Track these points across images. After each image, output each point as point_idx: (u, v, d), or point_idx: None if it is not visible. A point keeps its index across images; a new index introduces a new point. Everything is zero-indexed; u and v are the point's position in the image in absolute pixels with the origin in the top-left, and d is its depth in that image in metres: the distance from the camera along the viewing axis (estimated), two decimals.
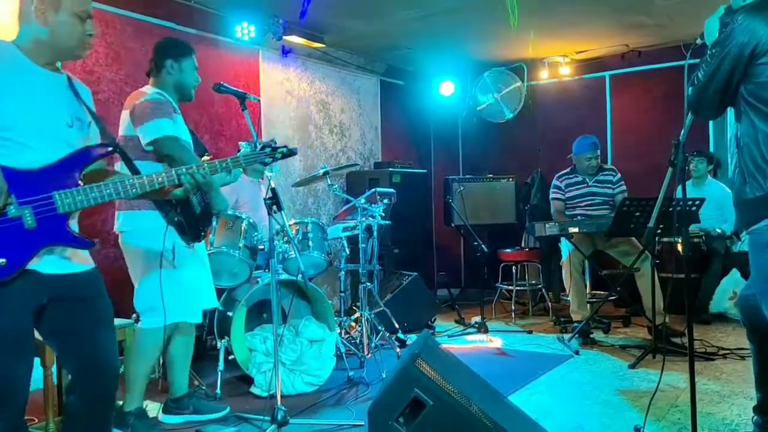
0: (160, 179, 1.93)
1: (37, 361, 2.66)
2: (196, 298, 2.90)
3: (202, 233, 2.65)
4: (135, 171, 2.07)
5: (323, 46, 5.57)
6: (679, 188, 2.54)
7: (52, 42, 1.83)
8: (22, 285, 1.71)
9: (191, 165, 2.02)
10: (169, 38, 3.12)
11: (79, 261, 1.88)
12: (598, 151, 5.02)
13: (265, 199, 2.72)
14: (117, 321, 3.36)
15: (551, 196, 5.21)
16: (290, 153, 2.38)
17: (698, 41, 2.32)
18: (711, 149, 5.95)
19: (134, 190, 1.87)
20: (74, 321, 1.85)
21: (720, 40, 2.02)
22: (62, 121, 1.85)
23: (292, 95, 5.65)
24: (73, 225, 1.83)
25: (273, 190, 2.71)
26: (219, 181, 2.74)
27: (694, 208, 4.17)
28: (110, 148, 1.93)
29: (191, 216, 2.54)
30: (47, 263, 1.77)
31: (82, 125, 1.91)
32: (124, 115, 2.81)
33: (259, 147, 2.32)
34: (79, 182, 1.80)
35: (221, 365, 3.51)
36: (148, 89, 2.87)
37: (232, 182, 3.22)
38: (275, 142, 2.34)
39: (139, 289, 2.83)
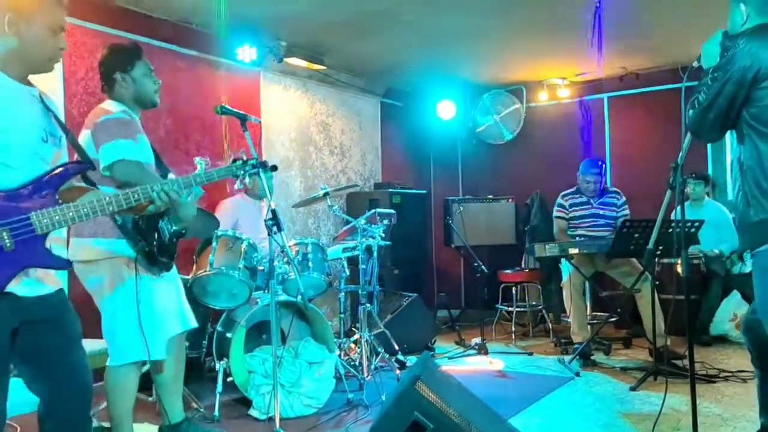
0: (136, 195, 1.91)
1: None
2: (160, 332, 2.61)
3: (172, 261, 2.56)
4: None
5: (324, 68, 5.62)
6: (679, 209, 2.56)
7: (24, 54, 1.81)
8: (0, 308, 1.69)
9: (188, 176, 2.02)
10: (112, 46, 2.78)
11: (51, 283, 1.87)
12: (602, 177, 5.05)
13: (265, 221, 2.71)
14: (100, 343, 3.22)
15: (555, 214, 5.21)
16: (262, 166, 2.40)
17: (695, 64, 2.35)
18: (709, 171, 5.98)
19: (111, 208, 1.85)
20: (46, 342, 1.83)
21: (722, 64, 2.03)
22: (38, 136, 1.84)
23: (293, 116, 5.69)
24: (55, 245, 1.81)
25: (273, 211, 2.70)
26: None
27: (693, 230, 4.18)
28: (86, 165, 1.91)
29: (160, 244, 2.46)
30: (23, 285, 1.75)
31: (55, 140, 1.90)
32: (85, 135, 2.55)
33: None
34: (57, 201, 1.78)
35: (219, 387, 3.48)
36: (111, 106, 2.62)
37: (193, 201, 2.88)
38: (249, 157, 2.36)
39: (106, 323, 2.58)
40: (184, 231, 2.58)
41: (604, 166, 5.14)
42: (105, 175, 2.46)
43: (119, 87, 2.66)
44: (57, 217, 1.75)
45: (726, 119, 2.03)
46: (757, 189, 1.96)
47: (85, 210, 1.79)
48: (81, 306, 3.32)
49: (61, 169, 1.83)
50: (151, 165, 2.64)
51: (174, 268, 2.79)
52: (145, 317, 2.49)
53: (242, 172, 2.35)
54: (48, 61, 1.88)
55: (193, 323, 2.89)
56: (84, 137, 2.55)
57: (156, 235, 2.45)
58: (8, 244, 1.68)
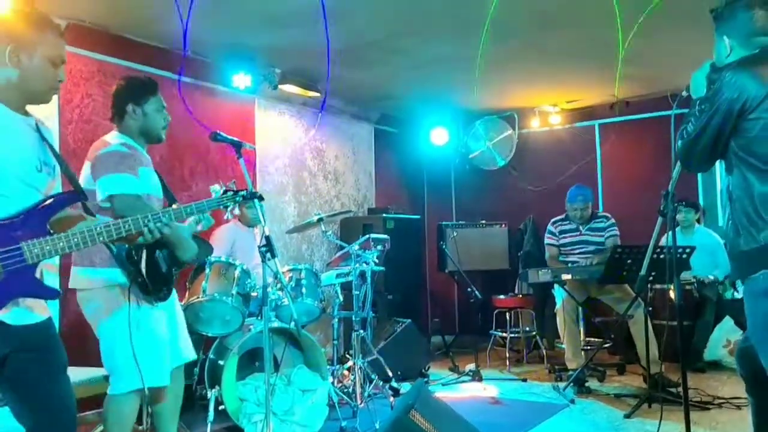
0: (126, 226, 1.92)
1: None
2: (162, 359, 2.61)
3: (167, 291, 2.55)
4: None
5: (318, 94, 5.68)
6: (670, 236, 2.58)
7: (23, 86, 1.84)
8: None
9: (178, 207, 2.04)
10: (129, 78, 2.84)
11: (39, 311, 1.86)
12: (589, 204, 5.05)
13: (259, 247, 2.71)
14: (103, 371, 3.25)
15: (546, 241, 5.23)
16: (252, 196, 2.42)
17: (684, 93, 2.38)
18: (700, 198, 6.03)
19: (101, 238, 1.86)
20: (33, 371, 1.82)
21: (709, 96, 2.06)
22: (32, 165, 1.85)
23: (287, 142, 5.72)
24: (47, 272, 1.82)
25: (267, 237, 2.70)
26: (189, 230, 2.58)
27: (684, 256, 4.20)
28: (78, 196, 1.92)
29: (156, 274, 2.47)
30: (13, 314, 1.75)
31: (49, 169, 1.91)
32: (86, 167, 2.60)
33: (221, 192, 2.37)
34: (48, 230, 1.79)
35: (211, 416, 3.43)
36: (113, 138, 2.67)
37: (203, 230, 2.84)
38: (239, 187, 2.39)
39: (103, 351, 2.57)
40: (189, 262, 2.59)
41: (591, 192, 5.15)
42: (103, 207, 2.49)
43: (129, 118, 2.70)
44: (48, 247, 1.75)
45: (714, 150, 2.06)
46: (746, 219, 1.98)
47: (76, 240, 1.80)
48: (71, 333, 3.33)
49: (52, 199, 1.84)
50: (153, 196, 2.67)
51: (174, 298, 2.78)
52: (141, 345, 2.47)
53: (231, 203, 2.37)
54: (47, 93, 1.91)
55: (191, 355, 2.87)
56: (85, 169, 2.59)
57: (152, 265, 2.45)
58: None
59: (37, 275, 1.78)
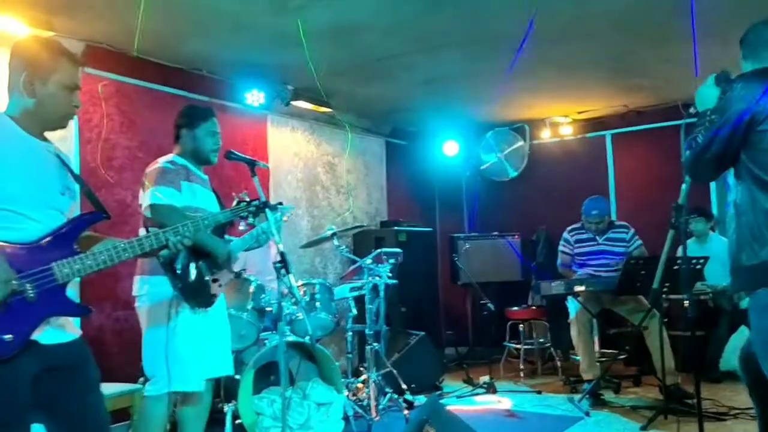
0: (149, 241, 1.98)
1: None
2: (196, 366, 2.75)
3: (208, 299, 2.66)
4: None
5: (330, 110, 5.74)
6: (681, 248, 2.59)
7: (39, 113, 1.88)
8: (25, 357, 1.73)
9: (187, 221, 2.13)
10: (189, 106, 3.15)
11: (71, 330, 1.91)
12: (605, 217, 4.97)
13: (274, 263, 2.76)
14: (124, 386, 3.39)
15: (560, 248, 5.19)
16: (264, 205, 2.49)
17: (692, 110, 2.40)
18: (714, 206, 6.00)
19: (126, 254, 1.91)
20: (66, 389, 1.86)
21: (719, 107, 2.07)
22: (56, 189, 1.91)
23: (300, 157, 5.79)
24: (70, 292, 1.86)
25: (282, 253, 2.74)
26: (242, 245, 2.88)
27: (698, 267, 4.19)
28: (104, 216, 1.96)
29: (198, 282, 2.57)
30: (46, 334, 1.80)
31: (71, 193, 1.98)
32: (141, 187, 2.89)
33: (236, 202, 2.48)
34: (75, 250, 1.84)
35: (228, 430, 3.48)
36: (162, 158, 2.92)
37: (258, 247, 3.15)
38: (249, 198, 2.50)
39: (144, 354, 2.78)
40: (239, 272, 2.81)
41: (607, 203, 5.10)
42: (148, 216, 2.73)
43: (183, 141, 2.98)
44: (77, 266, 1.81)
45: (722, 162, 2.07)
46: (749, 233, 1.99)
47: (103, 257, 1.86)
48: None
49: (78, 220, 1.90)
50: (195, 209, 2.80)
51: (224, 311, 2.96)
52: (177, 350, 2.63)
53: (246, 213, 2.44)
54: (63, 119, 1.95)
55: (230, 370, 2.98)
56: (140, 190, 2.87)
57: (195, 274, 2.58)
58: (31, 295, 1.74)
59: (67, 294, 1.83)
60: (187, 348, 2.70)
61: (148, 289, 2.76)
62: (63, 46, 1.96)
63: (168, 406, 2.74)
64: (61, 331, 1.86)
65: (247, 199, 2.50)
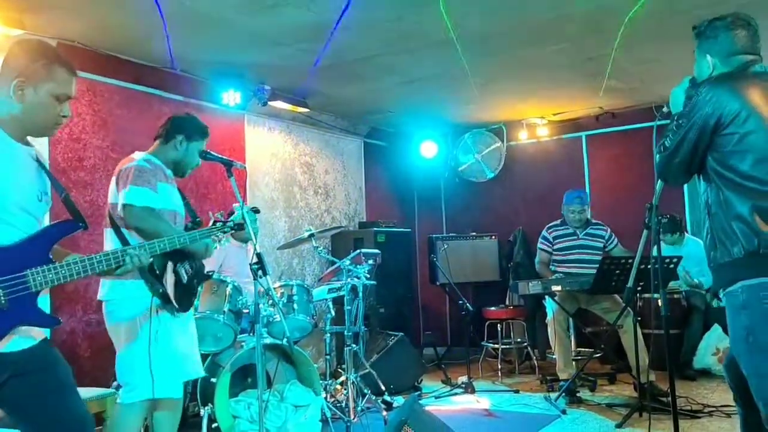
0: (122, 256, 1.95)
1: None
2: (177, 371, 2.69)
3: (190, 302, 2.64)
4: (124, 240, 2.08)
5: (307, 110, 5.71)
6: (655, 249, 2.63)
7: (24, 119, 1.84)
8: None
9: (163, 237, 2.12)
10: (194, 117, 3.02)
11: (35, 335, 1.87)
12: (586, 207, 5.09)
13: (250, 265, 2.72)
14: (97, 391, 3.33)
15: (539, 246, 5.25)
16: (239, 227, 2.50)
17: (665, 109, 2.44)
18: (686, 210, 6.10)
19: (101, 266, 1.89)
20: (38, 391, 1.82)
21: (685, 111, 2.12)
22: (33, 195, 1.86)
23: (277, 157, 5.75)
24: (41, 300, 1.81)
25: (259, 255, 2.71)
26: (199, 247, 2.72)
27: (672, 266, 4.26)
28: (81, 225, 1.92)
29: (178, 286, 2.54)
30: (12, 342, 1.75)
31: (47, 199, 1.94)
32: (112, 182, 2.76)
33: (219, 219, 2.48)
34: (50, 259, 1.80)
35: None
36: (138, 155, 2.80)
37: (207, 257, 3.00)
38: (223, 216, 2.51)
39: (120, 361, 2.67)
40: (210, 273, 2.77)
41: (587, 195, 5.20)
42: (120, 216, 2.64)
43: (171, 146, 2.86)
44: (51, 275, 1.77)
45: (690, 164, 2.11)
46: (722, 233, 2.03)
47: (77, 268, 1.82)
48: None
49: (55, 227, 1.86)
50: (173, 212, 2.76)
51: (191, 314, 2.88)
52: (158, 356, 2.56)
53: (222, 234, 2.46)
54: (49, 129, 1.91)
55: (202, 371, 2.93)
56: (111, 185, 2.75)
57: (174, 278, 2.55)
58: (3, 302, 1.69)
59: (39, 304, 1.79)
60: (169, 354, 2.63)
61: (124, 294, 2.63)
62: (60, 54, 1.92)
63: (143, 414, 2.66)
64: (24, 338, 1.81)
65: (222, 220, 2.48)
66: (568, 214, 5.09)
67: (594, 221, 5.21)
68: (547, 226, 5.24)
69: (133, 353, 2.59)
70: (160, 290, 2.48)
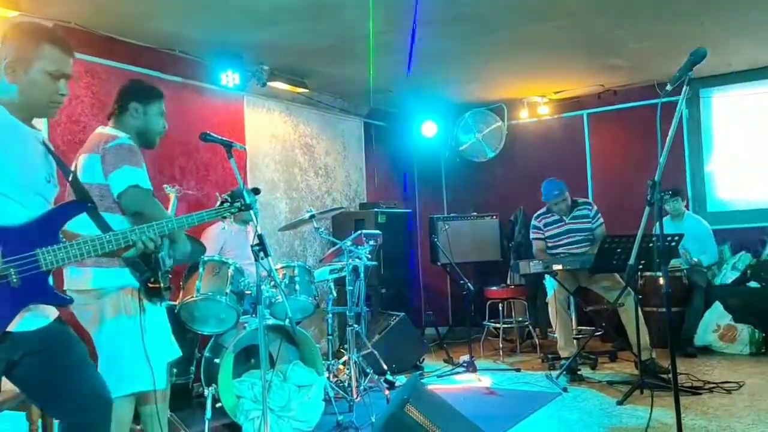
0: (134, 235, 1.94)
1: (22, 415, 2.63)
2: (161, 361, 2.57)
3: (169, 289, 2.54)
4: (105, 227, 1.99)
5: (307, 90, 5.67)
6: (658, 226, 2.62)
7: (22, 100, 1.84)
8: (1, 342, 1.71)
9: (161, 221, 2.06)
10: (137, 80, 2.87)
11: (49, 313, 1.88)
12: (566, 194, 5.03)
13: (252, 246, 2.71)
14: None
15: (531, 236, 5.27)
16: (246, 207, 2.39)
17: (668, 88, 2.41)
18: (688, 184, 6.09)
19: (110, 246, 1.88)
20: (53, 369, 1.84)
21: None
22: (42, 176, 1.88)
23: (277, 139, 5.72)
24: (50, 280, 1.83)
25: (260, 236, 2.69)
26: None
27: (673, 244, 4.26)
28: (89, 205, 1.93)
29: (162, 273, 2.44)
30: (24, 320, 1.77)
31: (55, 182, 1.95)
32: (91, 160, 2.50)
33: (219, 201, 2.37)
34: (60, 239, 1.82)
35: (208, 413, 3.46)
36: (117, 132, 2.59)
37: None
38: (236, 196, 2.38)
39: (107, 352, 2.49)
40: (182, 261, 2.64)
41: (563, 183, 5.10)
42: (117, 200, 2.47)
43: (129, 116, 2.67)
44: (61, 255, 1.78)
45: None
46: None
47: (87, 248, 1.83)
48: None
49: (64, 208, 1.88)
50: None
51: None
52: (152, 347, 2.48)
53: (229, 213, 2.38)
54: (47, 108, 1.90)
55: (178, 351, 2.82)
56: (85, 161, 2.52)
57: (156, 265, 2.43)
58: (15, 281, 1.70)
59: (50, 282, 1.80)
60: (159, 344, 2.56)
61: (108, 282, 2.47)
62: (53, 32, 1.92)
63: (133, 403, 2.56)
64: (37, 317, 1.83)
65: (230, 200, 2.43)
66: (551, 206, 5.08)
67: (581, 201, 5.18)
68: (535, 215, 5.23)
69: (122, 345, 2.47)
70: (151, 278, 2.36)
